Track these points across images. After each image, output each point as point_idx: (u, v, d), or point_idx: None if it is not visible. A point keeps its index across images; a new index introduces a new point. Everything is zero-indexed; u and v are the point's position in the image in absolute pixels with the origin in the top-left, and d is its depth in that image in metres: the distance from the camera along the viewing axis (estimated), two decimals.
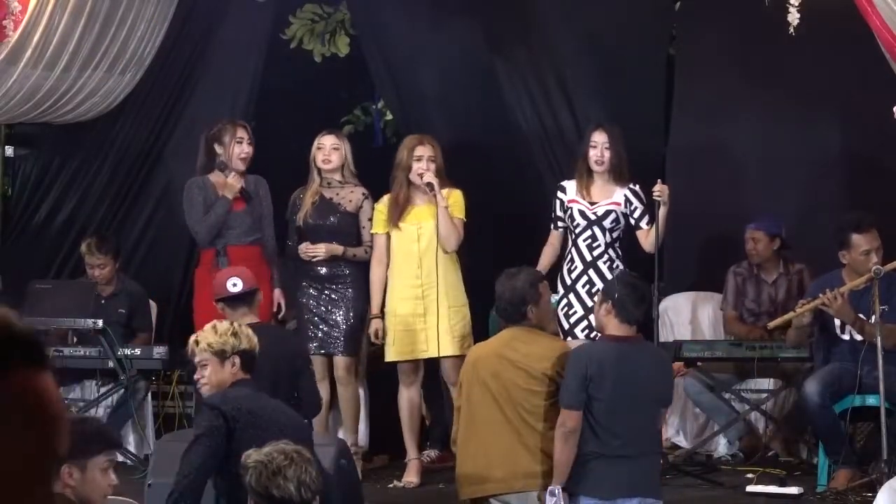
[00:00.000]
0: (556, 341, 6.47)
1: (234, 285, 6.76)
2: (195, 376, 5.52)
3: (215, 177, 7.84)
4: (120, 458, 7.64)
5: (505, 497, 6.24)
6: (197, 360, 5.44)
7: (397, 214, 7.52)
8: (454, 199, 7.54)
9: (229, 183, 7.76)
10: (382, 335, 7.51)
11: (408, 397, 7.55)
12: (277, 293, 7.83)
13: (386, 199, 7.62)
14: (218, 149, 7.80)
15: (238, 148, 7.79)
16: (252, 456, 4.18)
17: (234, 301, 6.68)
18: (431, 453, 8.02)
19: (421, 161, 7.50)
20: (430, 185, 7.44)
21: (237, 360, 5.37)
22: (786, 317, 7.25)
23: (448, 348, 7.41)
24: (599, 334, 6.37)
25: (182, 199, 7.92)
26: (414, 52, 9.22)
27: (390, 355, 7.54)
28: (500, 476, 6.21)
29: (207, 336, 5.41)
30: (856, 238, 7.24)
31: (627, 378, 6.03)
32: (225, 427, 5.10)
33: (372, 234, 7.65)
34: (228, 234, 7.76)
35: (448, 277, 7.50)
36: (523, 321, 6.38)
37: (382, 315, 7.55)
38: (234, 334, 5.42)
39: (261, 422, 5.18)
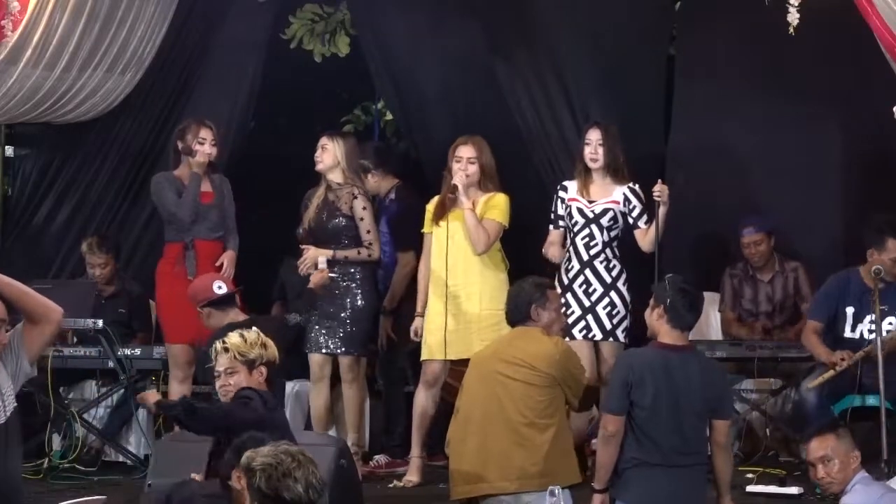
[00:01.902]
0: (558, 341, 6.45)
1: (220, 287, 6.87)
2: (220, 383, 5.56)
3: (180, 172, 7.84)
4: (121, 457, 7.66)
5: (498, 499, 6.21)
6: (225, 367, 5.52)
7: (440, 214, 7.53)
8: (495, 202, 7.55)
9: (196, 161, 7.73)
10: (420, 334, 7.49)
11: (424, 397, 7.51)
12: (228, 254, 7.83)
13: (436, 199, 7.63)
14: (180, 146, 7.82)
15: (199, 147, 7.79)
16: (257, 459, 4.17)
17: (222, 303, 6.81)
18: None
19: (460, 162, 7.50)
20: (454, 187, 7.44)
21: (264, 370, 5.53)
22: (825, 376, 7.17)
23: (474, 351, 7.37)
24: (652, 339, 6.27)
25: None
26: (414, 52, 9.22)
27: (425, 353, 7.53)
28: (494, 476, 6.19)
29: (238, 344, 5.51)
30: (892, 243, 7.20)
31: (670, 387, 5.96)
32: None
33: (422, 234, 7.67)
34: (197, 228, 7.76)
35: (486, 280, 7.47)
36: (527, 321, 6.40)
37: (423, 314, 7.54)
38: (263, 345, 5.57)
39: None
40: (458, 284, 7.43)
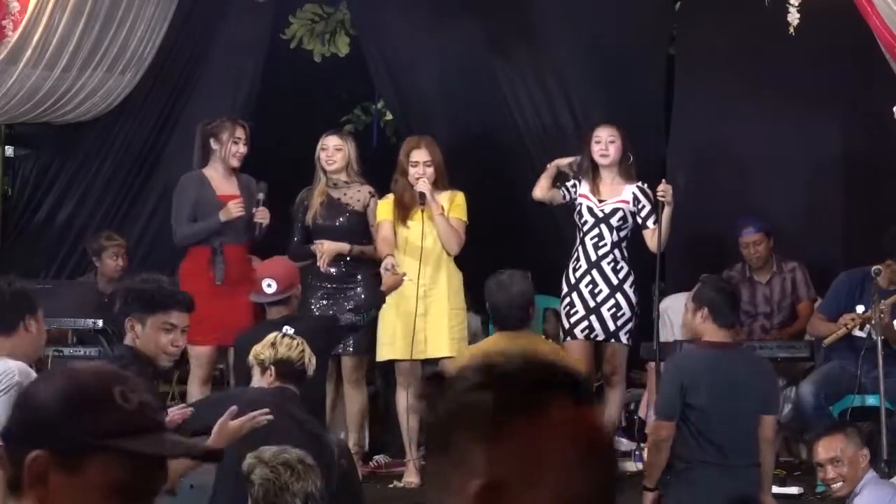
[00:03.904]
0: (553, 345, 6.40)
1: (269, 286, 6.86)
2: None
3: (211, 171, 7.81)
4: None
5: None
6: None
7: (404, 214, 7.50)
8: (457, 202, 7.53)
9: (230, 210, 7.63)
10: (394, 267, 7.28)
11: (406, 398, 7.53)
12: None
13: (391, 196, 7.60)
14: (214, 144, 7.78)
15: (234, 147, 7.77)
16: (257, 470, 4.17)
17: (270, 304, 6.96)
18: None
19: (417, 167, 7.48)
20: (422, 195, 7.42)
21: (273, 369, 5.68)
22: (838, 333, 7.18)
23: (445, 349, 7.39)
24: (694, 341, 6.27)
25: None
26: (414, 52, 9.23)
27: (388, 354, 7.52)
28: None
29: (256, 348, 5.78)
30: None
31: (724, 386, 5.92)
32: None
33: (377, 223, 7.59)
34: (227, 233, 7.73)
35: (451, 279, 7.49)
36: (527, 322, 6.32)
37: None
38: (272, 345, 5.72)
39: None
40: (428, 285, 7.42)
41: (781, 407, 7.99)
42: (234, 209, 7.60)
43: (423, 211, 7.44)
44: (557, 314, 7.82)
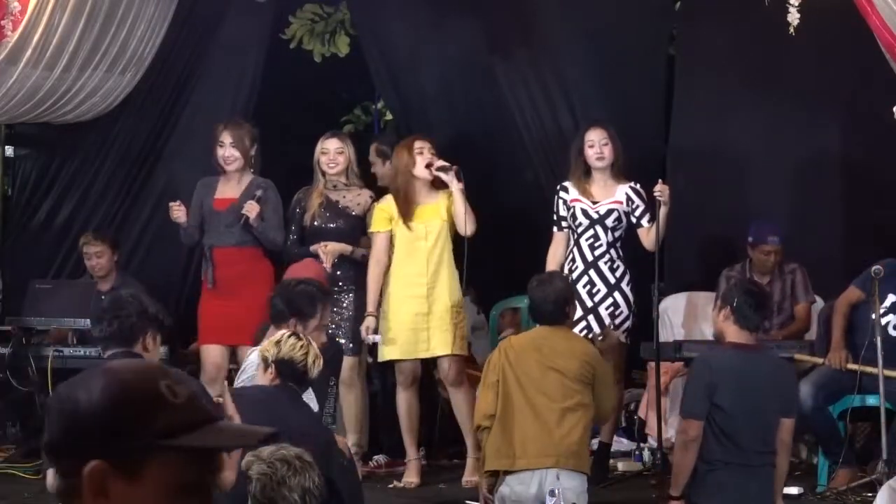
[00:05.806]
0: (589, 344, 6.58)
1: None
2: None
3: (225, 175, 7.83)
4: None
5: (525, 474, 6.17)
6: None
7: (405, 211, 7.47)
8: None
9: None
10: (371, 332, 7.42)
11: (406, 398, 7.53)
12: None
13: (388, 198, 7.59)
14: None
15: (220, 151, 7.75)
16: (254, 466, 4.18)
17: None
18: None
19: (423, 152, 7.49)
20: (443, 168, 7.42)
21: (274, 367, 5.61)
22: (815, 360, 7.19)
23: (448, 347, 7.39)
24: (718, 341, 6.29)
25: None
26: (414, 52, 9.23)
27: (390, 354, 7.52)
28: (533, 452, 6.15)
29: (264, 344, 5.75)
30: None
31: (749, 387, 5.95)
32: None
33: (371, 233, 7.63)
34: (212, 235, 7.73)
35: (450, 276, 7.49)
36: (565, 321, 6.44)
37: (377, 314, 7.50)
38: (277, 343, 5.66)
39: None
40: (430, 283, 7.42)
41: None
42: (172, 213, 7.70)
43: (446, 192, 7.42)
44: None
